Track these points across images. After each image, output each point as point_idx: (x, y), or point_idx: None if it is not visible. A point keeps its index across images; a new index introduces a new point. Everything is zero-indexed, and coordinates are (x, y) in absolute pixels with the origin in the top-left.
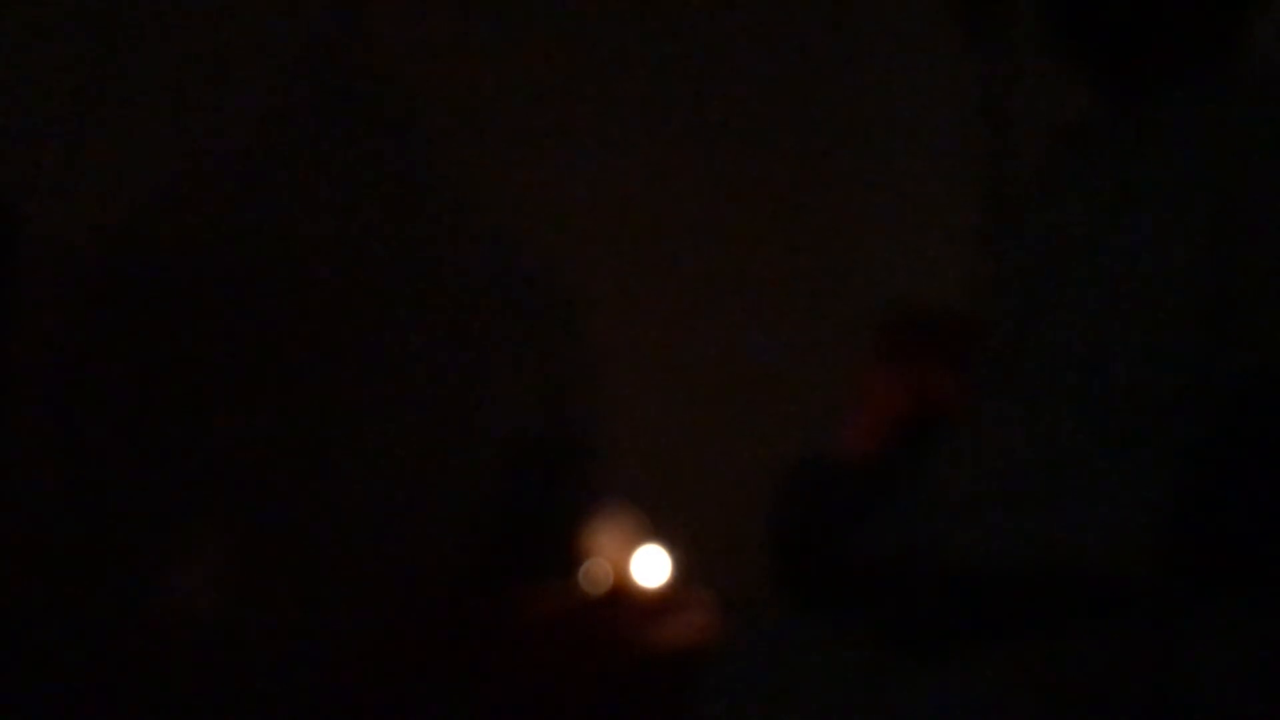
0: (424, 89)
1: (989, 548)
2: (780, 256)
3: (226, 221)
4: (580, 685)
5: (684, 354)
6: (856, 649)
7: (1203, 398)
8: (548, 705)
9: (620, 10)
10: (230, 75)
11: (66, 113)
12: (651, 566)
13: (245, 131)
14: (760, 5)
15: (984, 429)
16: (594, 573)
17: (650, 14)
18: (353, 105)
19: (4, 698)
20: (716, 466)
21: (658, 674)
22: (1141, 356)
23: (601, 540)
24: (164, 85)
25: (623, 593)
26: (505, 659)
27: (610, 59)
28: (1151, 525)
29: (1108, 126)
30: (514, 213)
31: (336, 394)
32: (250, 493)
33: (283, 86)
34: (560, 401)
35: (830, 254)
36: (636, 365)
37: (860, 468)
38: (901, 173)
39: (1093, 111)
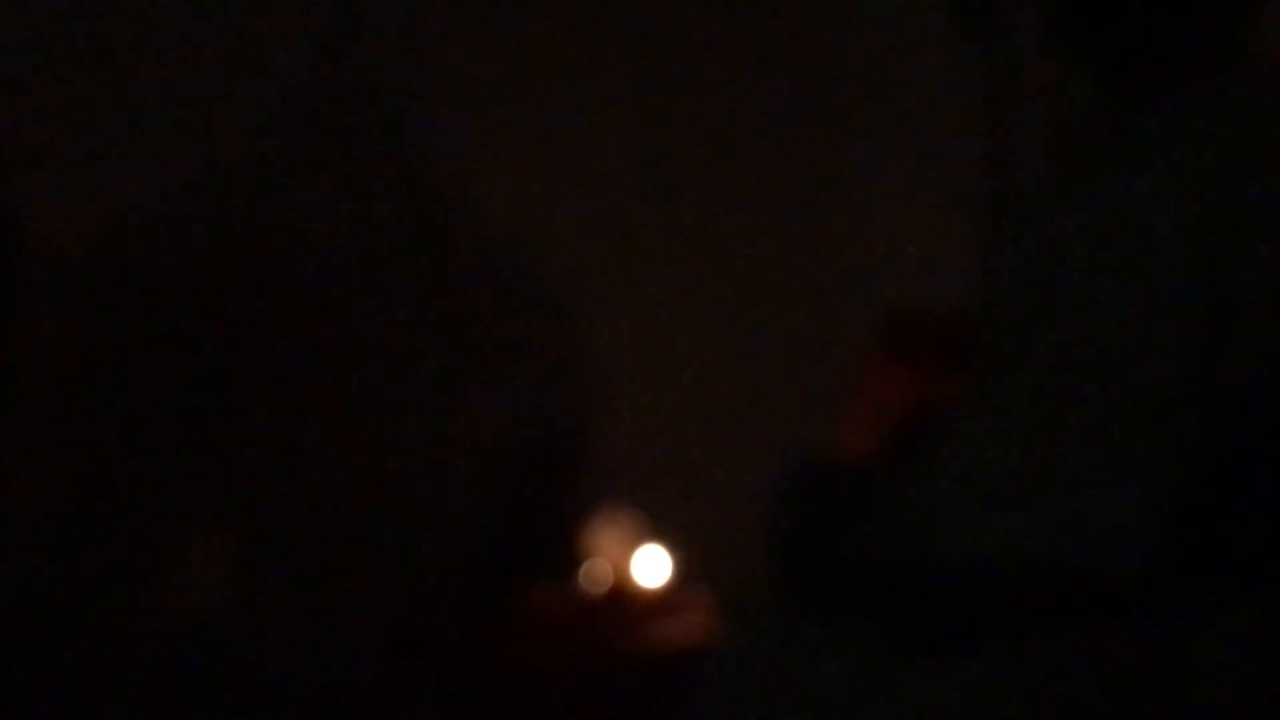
0: (422, 89)
1: (988, 547)
2: (780, 256)
3: (225, 222)
4: (580, 685)
5: (684, 354)
6: (856, 648)
7: (1202, 398)
8: (548, 705)
9: (619, 9)
10: (229, 77)
11: (66, 116)
12: (652, 566)
13: (244, 132)
14: (760, 5)
15: (983, 428)
16: (594, 573)
17: (649, 13)
18: (352, 106)
19: (6, 698)
20: (716, 466)
21: (658, 674)
22: (1141, 357)
23: (601, 540)
24: (163, 87)
25: (623, 593)
26: (505, 659)
27: (609, 58)
28: (1150, 525)
29: (1108, 127)
30: (513, 212)
31: (336, 394)
32: (250, 494)
33: (282, 88)
34: (560, 402)
35: (830, 254)
36: (636, 365)
37: (858, 468)
38: (901, 173)
39: (1093, 112)
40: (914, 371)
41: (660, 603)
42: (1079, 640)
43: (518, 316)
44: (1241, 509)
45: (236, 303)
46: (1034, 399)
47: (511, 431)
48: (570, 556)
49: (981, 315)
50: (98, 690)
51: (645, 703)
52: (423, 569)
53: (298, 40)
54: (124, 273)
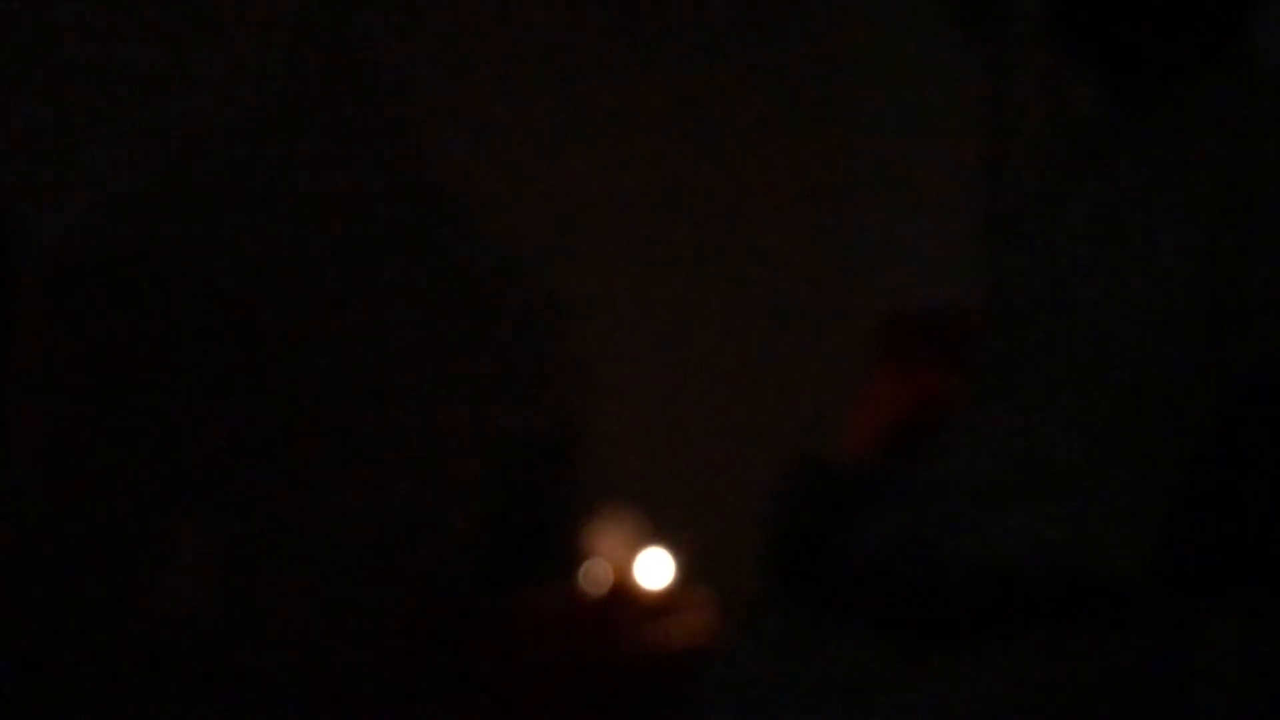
0: (422, 87)
1: (988, 548)
2: (780, 256)
3: (224, 221)
4: (581, 686)
5: (684, 354)
6: (856, 649)
7: (1203, 399)
8: (548, 706)
9: (618, 9)
10: (228, 76)
11: (65, 115)
12: (654, 568)
13: (243, 131)
14: (760, 4)
15: (983, 429)
16: (595, 573)
17: (648, 13)
18: (352, 106)
19: (4, 697)
20: (718, 467)
21: (658, 674)
22: (1142, 357)
23: (603, 541)
24: (163, 87)
25: (624, 594)
26: (505, 659)
27: (609, 58)
28: (1150, 526)
29: (1111, 126)
30: (513, 212)
31: (336, 395)
32: (250, 493)
33: (281, 87)
34: (561, 402)
35: (830, 253)
36: (637, 365)
37: (860, 468)
38: (902, 172)
39: (1095, 111)
40: (913, 373)
41: (662, 604)
42: (1078, 641)
43: (518, 317)
44: (1241, 509)
45: (235, 300)
46: (1033, 400)
47: (512, 431)
48: (571, 557)
49: (981, 316)
50: (92, 686)
51: (646, 704)
52: (423, 569)
53: (296, 37)
54: (120, 268)
